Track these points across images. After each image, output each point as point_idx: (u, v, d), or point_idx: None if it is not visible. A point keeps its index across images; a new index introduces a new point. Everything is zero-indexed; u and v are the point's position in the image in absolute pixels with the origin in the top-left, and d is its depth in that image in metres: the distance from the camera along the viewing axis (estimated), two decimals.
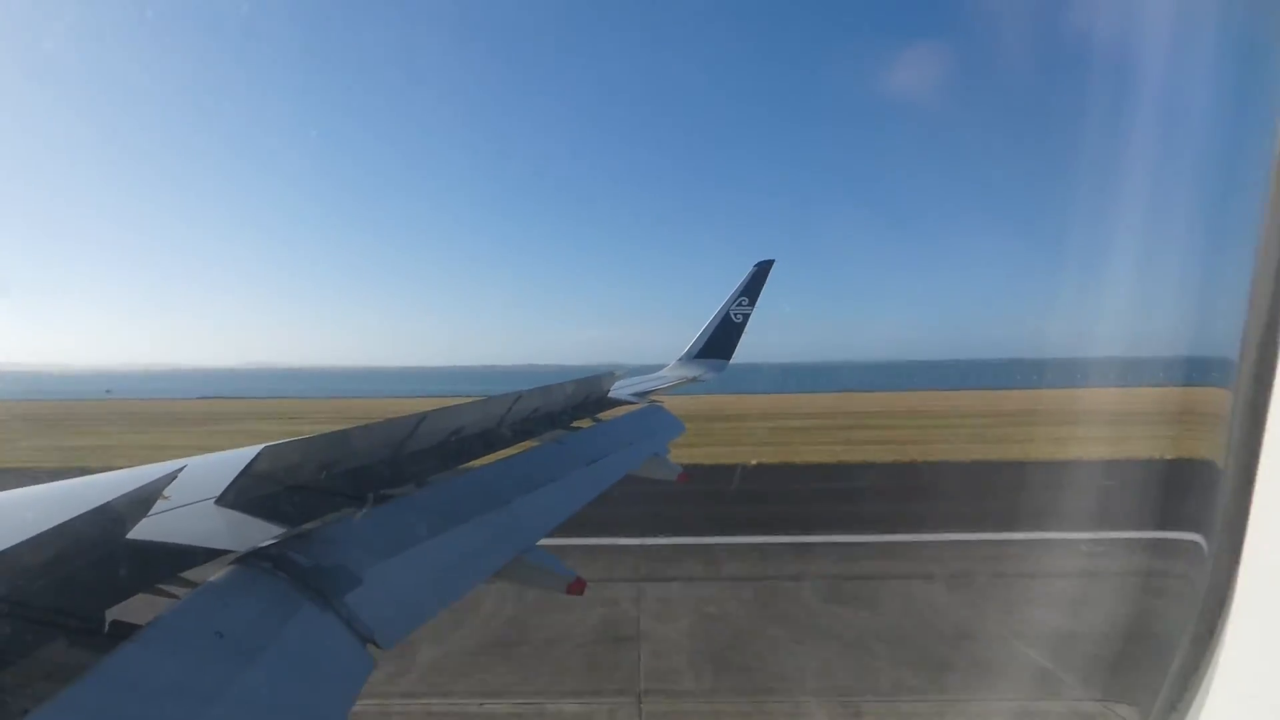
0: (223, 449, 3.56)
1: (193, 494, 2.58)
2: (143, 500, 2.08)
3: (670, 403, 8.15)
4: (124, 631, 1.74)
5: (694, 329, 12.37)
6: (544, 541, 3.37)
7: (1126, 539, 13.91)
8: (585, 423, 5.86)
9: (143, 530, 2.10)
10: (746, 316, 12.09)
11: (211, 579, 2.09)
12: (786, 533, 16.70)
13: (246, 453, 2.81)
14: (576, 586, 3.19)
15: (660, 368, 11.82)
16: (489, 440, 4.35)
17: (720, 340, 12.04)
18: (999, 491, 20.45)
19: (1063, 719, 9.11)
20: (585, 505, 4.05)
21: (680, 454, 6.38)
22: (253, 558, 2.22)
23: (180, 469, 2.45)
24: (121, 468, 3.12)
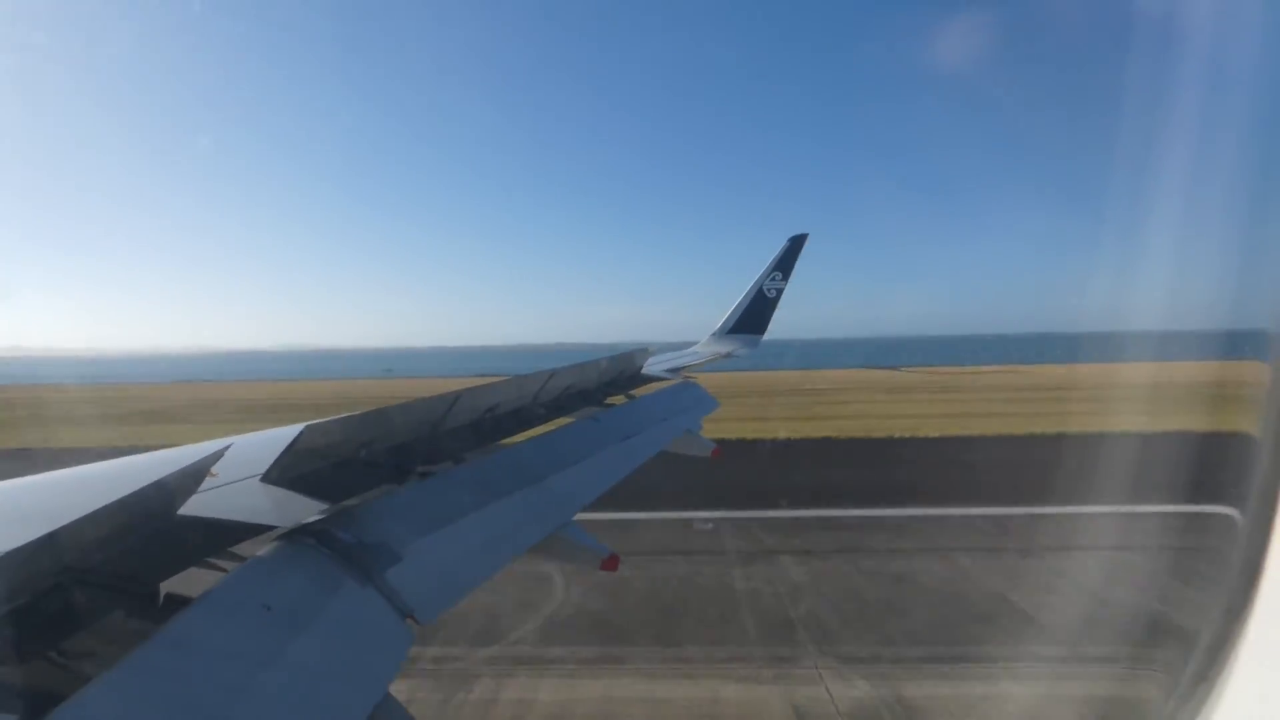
0: None
1: (239, 471, 2.65)
2: (192, 477, 2.14)
3: (703, 378, 8.10)
4: (177, 603, 1.81)
5: (728, 305, 12.23)
6: (579, 516, 3.40)
7: (1160, 512, 13.59)
8: (619, 399, 5.86)
9: (192, 506, 2.16)
10: (780, 291, 11.89)
11: (258, 554, 2.15)
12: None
13: (289, 431, 2.87)
14: (611, 563, 3.21)
15: (693, 344, 11.74)
16: (524, 418, 4.38)
17: (753, 315, 11.87)
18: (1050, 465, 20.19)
19: (1094, 684, 9.01)
20: (619, 481, 4.06)
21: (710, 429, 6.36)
22: (297, 533, 2.28)
23: (227, 447, 2.51)
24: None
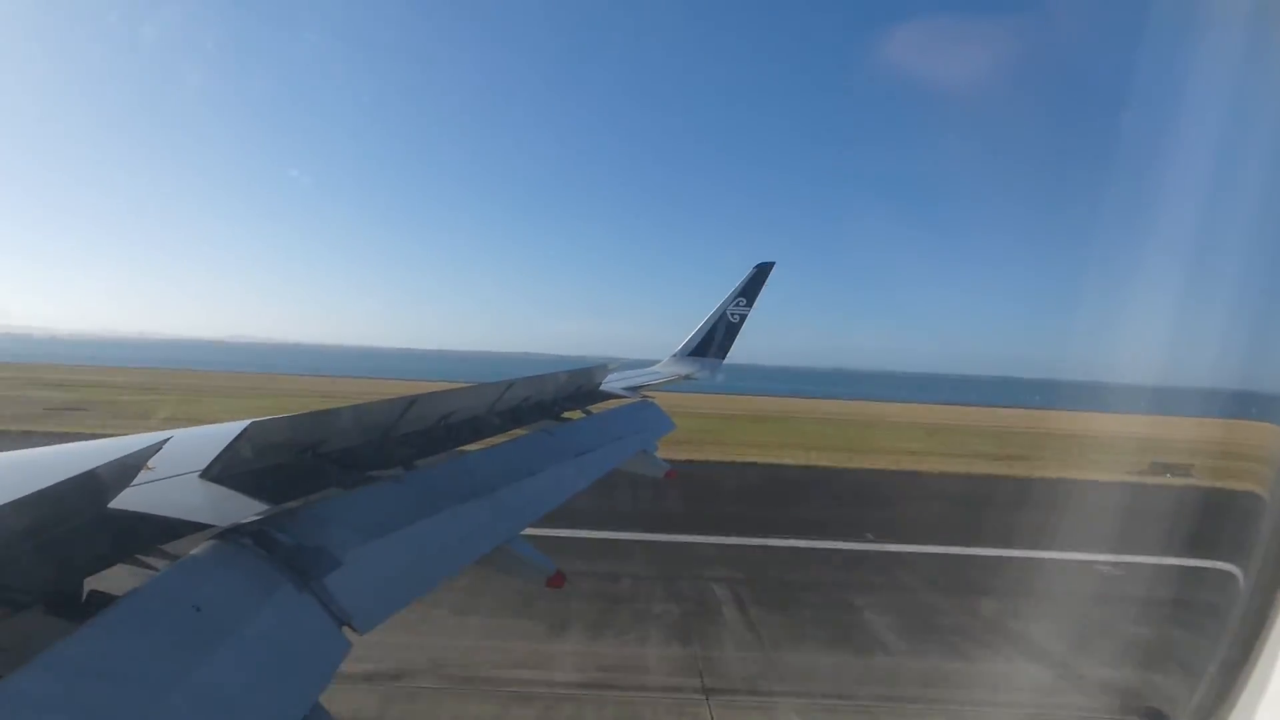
0: None
1: (177, 466, 2.57)
2: (126, 470, 2.07)
3: (661, 399, 8.14)
4: (102, 601, 1.74)
5: (692, 324, 12.32)
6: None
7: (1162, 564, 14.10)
8: (576, 414, 5.85)
9: (125, 500, 2.09)
10: (743, 317, 12.05)
11: (192, 552, 2.09)
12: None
13: (233, 427, 2.80)
14: (557, 580, 3.20)
15: (654, 363, 11.78)
16: (479, 427, 4.34)
17: (716, 339, 12.00)
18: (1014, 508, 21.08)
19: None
20: (571, 497, 4.05)
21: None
22: (234, 533, 2.22)
23: (166, 440, 2.44)
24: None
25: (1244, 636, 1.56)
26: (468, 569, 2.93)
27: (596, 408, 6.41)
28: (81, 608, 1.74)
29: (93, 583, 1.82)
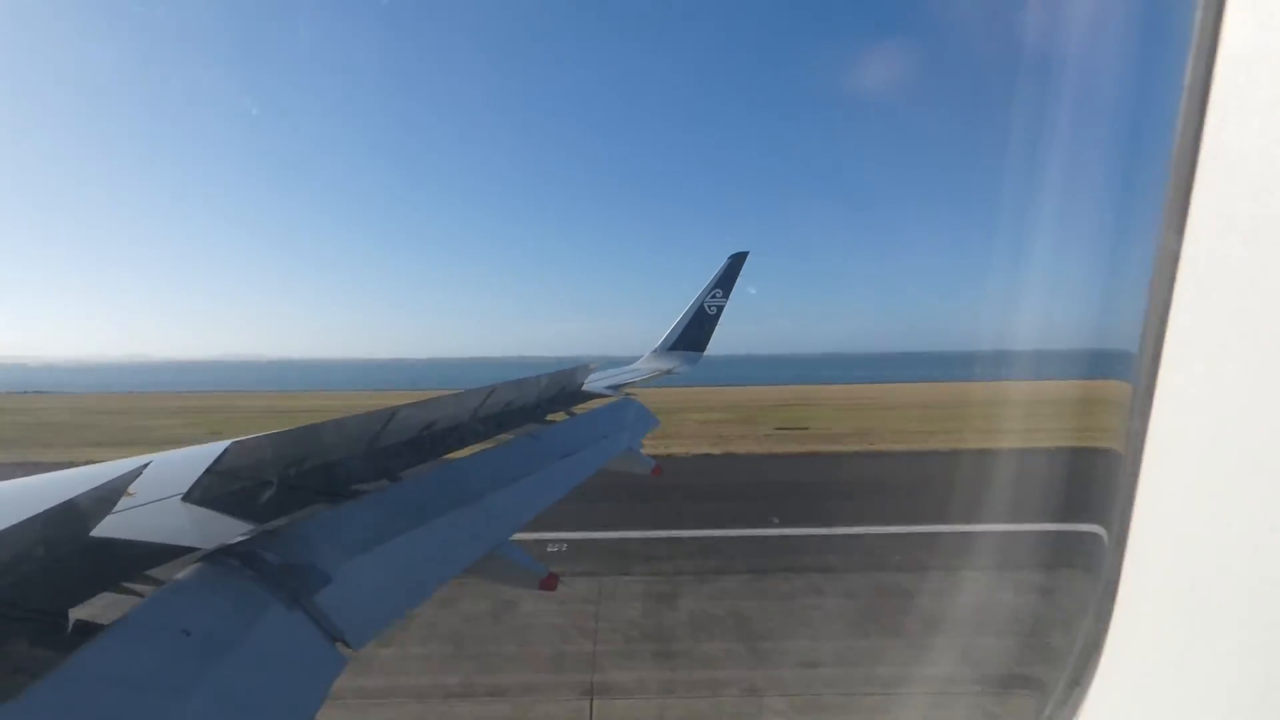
0: None
1: (159, 490, 2.54)
2: (107, 497, 2.04)
3: (643, 395, 8.18)
4: (88, 631, 1.73)
5: (676, 319, 12.37)
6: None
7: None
8: (560, 416, 5.86)
9: (107, 528, 2.07)
10: (720, 309, 12.12)
11: (178, 577, 2.07)
12: None
13: (214, 448, 2.77)
14: (549, 582, 3.21)
15: (636, 360, 11.81)
16: (463, 434, 4.34)
17: (694, 332, 12.06)
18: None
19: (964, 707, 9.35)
20: (559, 500, 4.06)
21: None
22: (220, 555, 2.21)
23: (145, 465, 2.41)
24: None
25: (1109, 593, 1.65)
26: (459, 577, 2.94)
27: (580, 408, 6.42)
28: (68, 638, 1.72)
29: (78, 613, 1.80)
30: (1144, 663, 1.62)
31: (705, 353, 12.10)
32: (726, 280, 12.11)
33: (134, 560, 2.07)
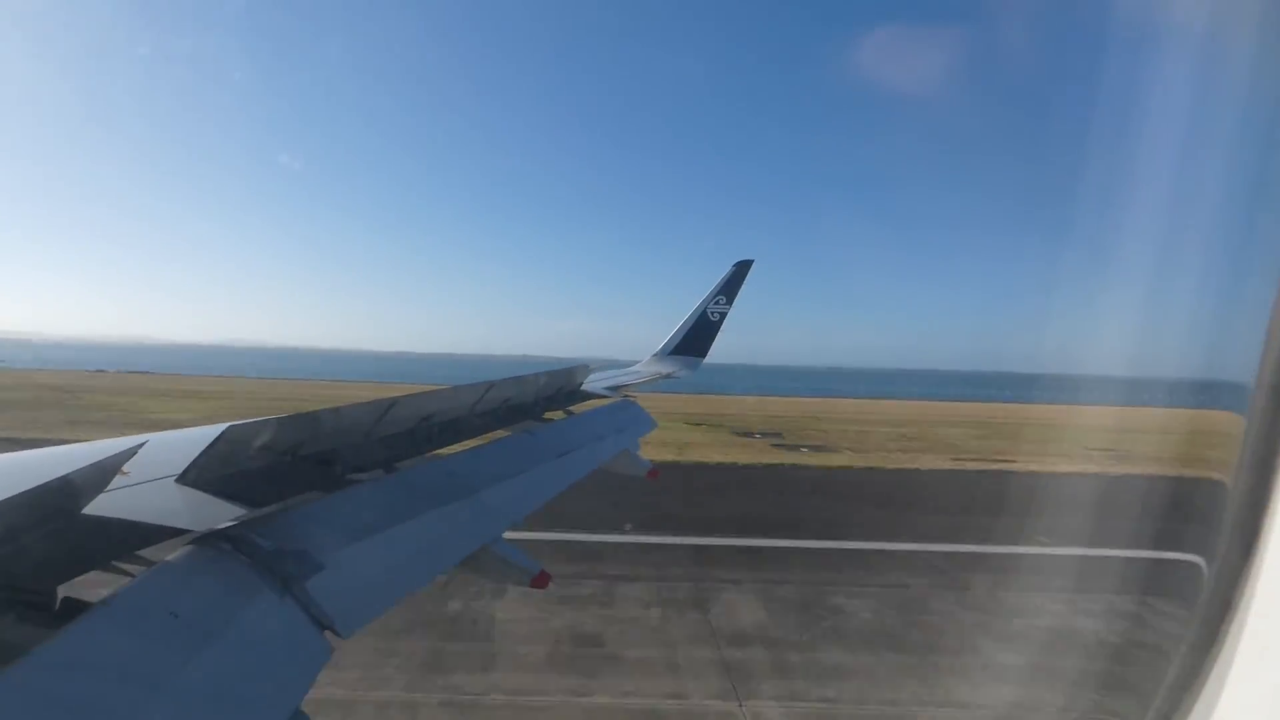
0: None
1: (153, 471, 2.53)
2: (101, 475, 2.04)
3: (642, 399, 8.17)
4: (75, 609, 1.72)
5: (678, 323, 12.33)
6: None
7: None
8: (558, 415, 5.85)
9: (99, 506, 2.05)
10: (723, 315, 12.10)
11: (169, 558, 2.06)
12: None
13: (210, 430, 2.76)
14: (541, 580, 3.19)
15: (636, 362, 11.79)
16: (459, 428, 4.33)
17: (696, 338, 12.04)
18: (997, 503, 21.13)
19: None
20: (554, 498, 4.05)
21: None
22: (212, 538, 2.20)
23: (141, 444, 2.40)
24: None
25: (1209, 625, 1.58)
26: (451, 570, 2.93)
27: (578, 408, 6.42)
28: (55, 615, 1.71)
29: (66, 590, 1.79)
30: (1251, 695, 1.54)
31: (705, 359, 12.07)
32: (730, 287, 12.08)
33: (125, 540, 2.06)
